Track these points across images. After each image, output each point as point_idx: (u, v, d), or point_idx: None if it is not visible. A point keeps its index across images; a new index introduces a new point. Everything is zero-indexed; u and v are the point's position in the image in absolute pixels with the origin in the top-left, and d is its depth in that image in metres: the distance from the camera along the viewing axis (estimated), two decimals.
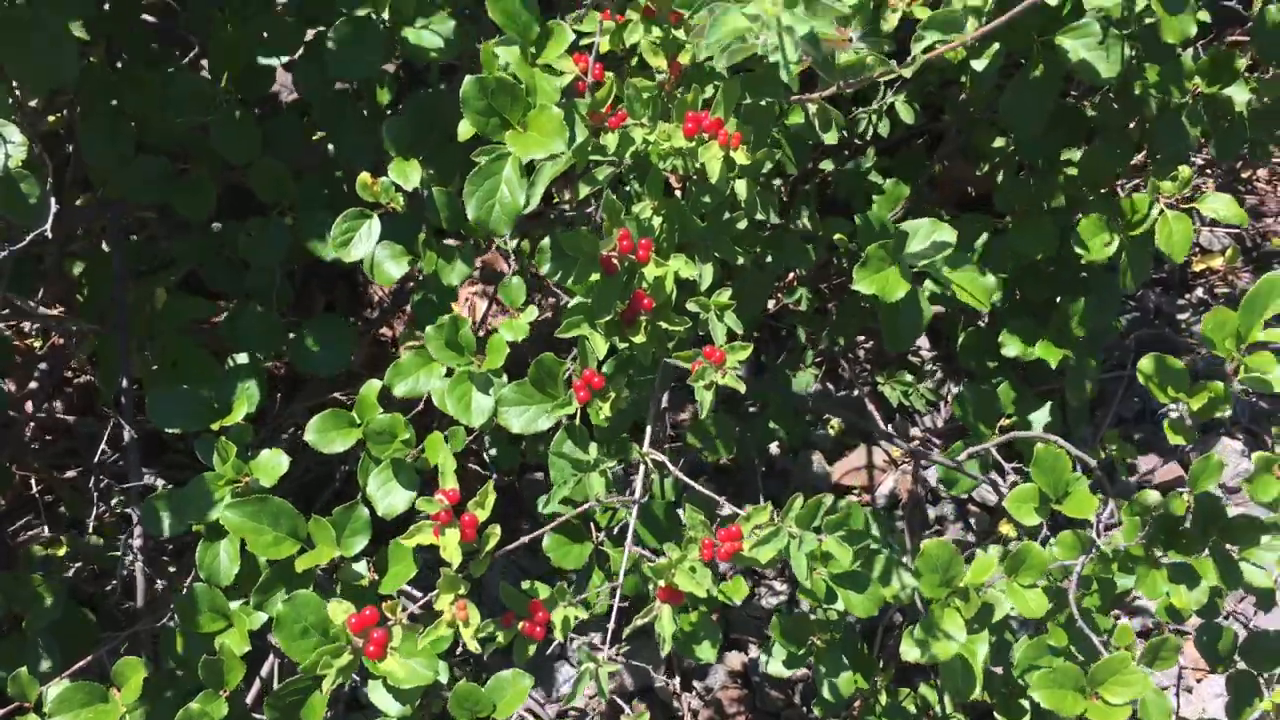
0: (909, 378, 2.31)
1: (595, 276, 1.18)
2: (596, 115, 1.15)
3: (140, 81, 1.58)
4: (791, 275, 2.32)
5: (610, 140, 1.14)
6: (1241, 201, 2.79)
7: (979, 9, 1.28)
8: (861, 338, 2.54)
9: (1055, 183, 1.90)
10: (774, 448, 2.34)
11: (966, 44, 1.28)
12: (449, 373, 1.38)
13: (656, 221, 1.24)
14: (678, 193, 1.30)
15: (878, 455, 2.35)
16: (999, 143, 2.07)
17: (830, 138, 1.19)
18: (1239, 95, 1.80)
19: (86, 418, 2.35)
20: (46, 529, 2.19)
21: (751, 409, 2.25)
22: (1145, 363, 1.32)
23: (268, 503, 1.35)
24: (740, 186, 1.24)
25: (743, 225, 1.28)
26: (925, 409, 2.33)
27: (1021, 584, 1.25)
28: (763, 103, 1.26)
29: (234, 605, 1.43)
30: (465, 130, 1.12)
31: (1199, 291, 2.59)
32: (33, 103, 1.63)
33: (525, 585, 1.16)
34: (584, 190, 1.27)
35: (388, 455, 1.36)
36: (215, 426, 1.43)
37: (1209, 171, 2.82)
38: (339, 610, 1.11)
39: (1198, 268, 2.64)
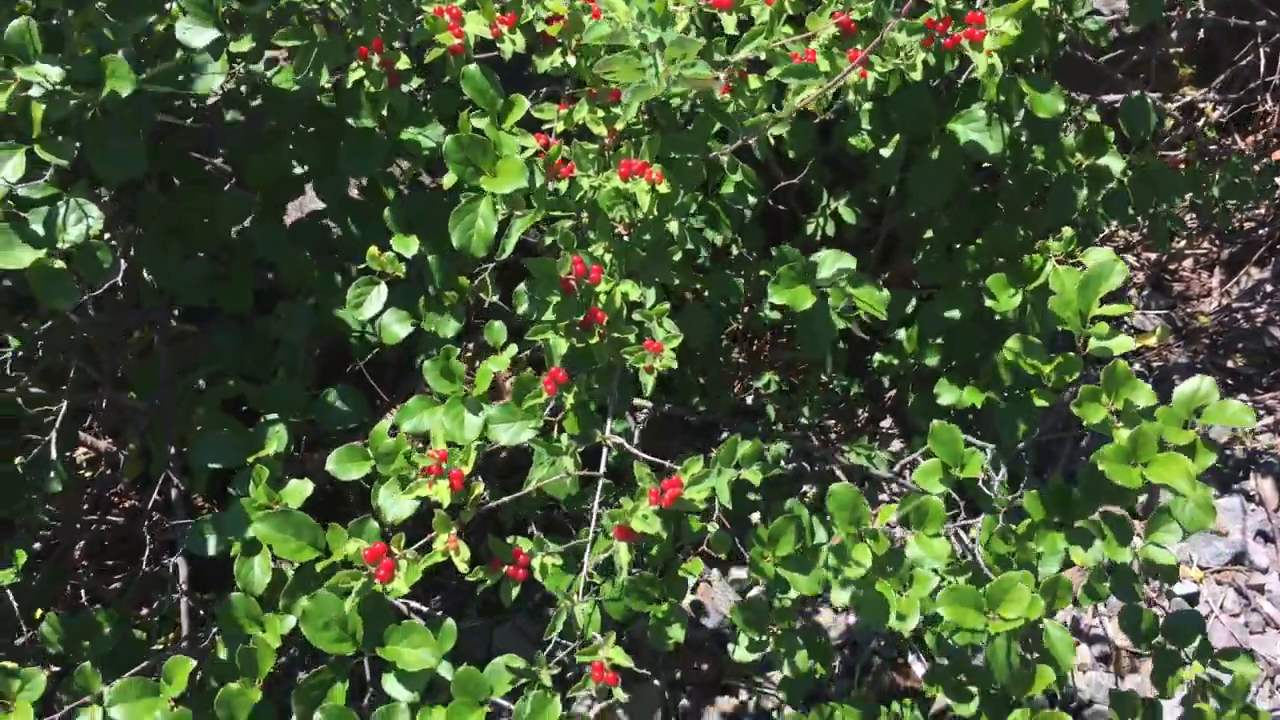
0: (871, 444, 2.55)
1: (556, 296, 1.47)
2: (552, 168, 1.47)
3: (190, 199, 1.93)
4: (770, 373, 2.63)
5: (562, 185, 1.46)
6: (1170, 289, 3.11)
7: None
8: (831, 421, 2.80)
9: (969, 255, 2.19)
10: (754, 517, 2.56)
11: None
12: None
13: (608, 258, 1.54)
14: (626, 239, 1.59)
15: None
16: (928, 234, 2.38)
17: (734, 182, 1.50)
18: (1114, 164, 2.11)
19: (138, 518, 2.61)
20: None
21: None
22: (1012, 342, 1.59)
23: (291, 516, 1.60)
24: (673, 226, 1.55)
25: (677, 257, 1.58)
26: (887, 472, 2.55)
27: (926, 534, 1.47)
28: (688, 161, 1.58)
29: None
30: (449, 180, 1.44)
31: (1136, 366, 2.84)
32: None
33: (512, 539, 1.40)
34: (548, 240, 1.57)
35: (393, 471, 1.61)
36: (250, 460, 1.70)
37: (1139, 265, 3.14)
38: (354, 544, 1.35)
39: (1135, 346, 2.89)
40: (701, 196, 1.72)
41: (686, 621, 1.64)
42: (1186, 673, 1.74)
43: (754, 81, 1.64)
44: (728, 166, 1.51)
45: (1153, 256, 3.13)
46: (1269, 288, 2.95)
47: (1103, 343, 1.49)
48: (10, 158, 1.47)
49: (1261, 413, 2.67)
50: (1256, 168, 2.98)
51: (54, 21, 1.63)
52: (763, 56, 1.60)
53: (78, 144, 1.55)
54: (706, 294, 1.80)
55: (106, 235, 2.05)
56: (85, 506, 2.76)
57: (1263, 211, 3.14)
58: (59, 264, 1.48)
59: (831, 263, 1.61)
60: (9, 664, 1.43)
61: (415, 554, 1.37)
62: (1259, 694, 2.17)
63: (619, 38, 1.13)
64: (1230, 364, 2.82)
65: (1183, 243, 3.13)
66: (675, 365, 1.40)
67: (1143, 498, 2.31)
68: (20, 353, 1.82)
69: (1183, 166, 3.27)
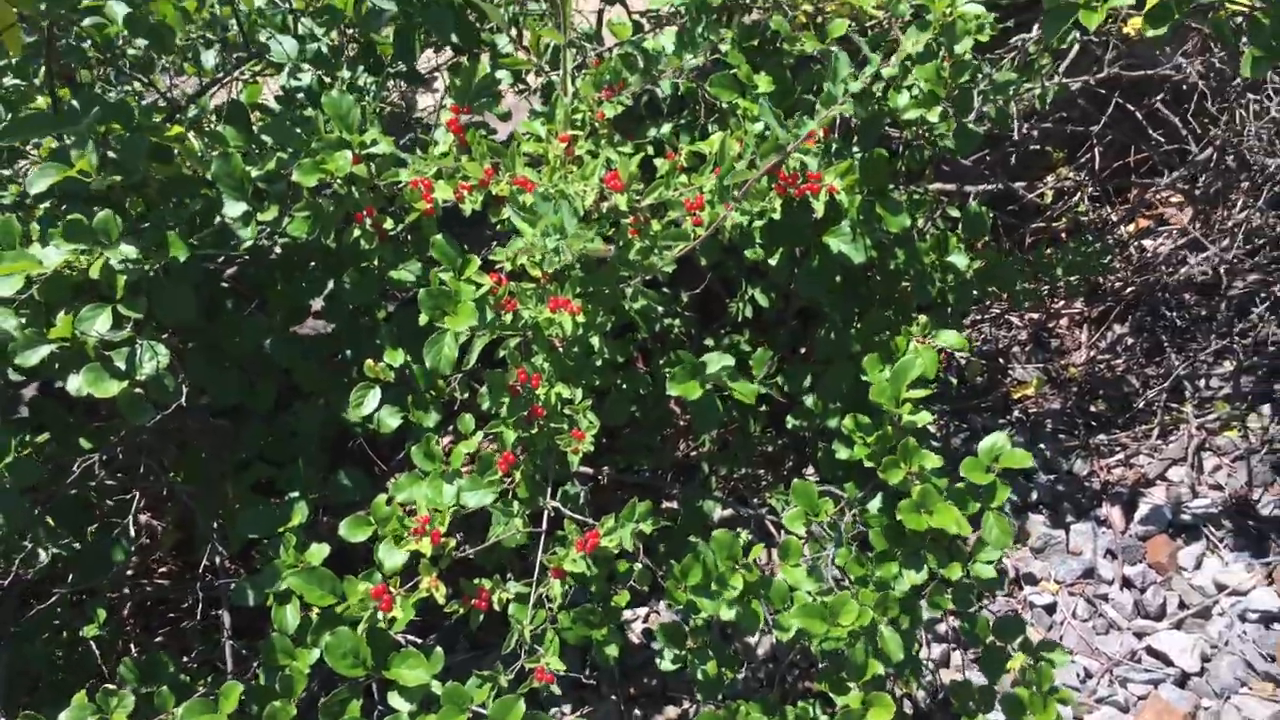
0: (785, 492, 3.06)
1: (506, 399, 1.98)
2: (500, 304, 1.99)
3: (225, 324, 2.45)
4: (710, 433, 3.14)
5: (508, 317, 1.98)
6: (1049, 344, 3.64)
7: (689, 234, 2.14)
8: (762, 471, 3.31)
9: (852, 337, 2.71)
10: None
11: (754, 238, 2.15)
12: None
13: (546, 366, 2.06)
14: (560, 350, 2.11)
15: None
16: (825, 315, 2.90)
17: (640, 303, 2.03)
18: (960, 261, 2.64)
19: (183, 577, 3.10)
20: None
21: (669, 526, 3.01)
22: (847, 420, 2.10)
23: (316, 570, 2.10)
24: (595, 341, 2.07)
25: (599, 363, 2.10)
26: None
27: (790, 565, 1.98)
28: (605, 291, 2.11)
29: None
30: (423, 319, 1.96)
31: (1016, 413, 3.36)
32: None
33: (477, 581, 1.90)
34: (501, 353, 2.09)
35: (390, 532, 2.12)
36: (280, 530, 2.20)
37: (1023, 325, 3.67)
38: (363, 585, 1.85)
39: (1016, 395, 3.42)
40: (623, 308, 2.24)
41: (622, 642, 2.14)
42: (1013, 663, 2.25)
43: (655, 225, 2.17)
44: (630, 296, 2.04)
45: (1034, 316, 3.66)
46: (1129, 340, 3.47)
47: (910, 418, 2.01)
48: (99, 314, 1.98)
49: (1117, 449, 3.19)
50: (1111, 239, 3.54)
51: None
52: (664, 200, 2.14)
53: (146, 299, 2.07)
54: (624, 386, 2.33)
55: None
56: (130, 573, 3.26)
57: (1129, 273, 3.67)
58: (138, 390, 2.00)
59: (716, 361, 2.13)
60: (110, 685, 1.92)
61: (406, 591, 1.87)
62: (1101, 683, 2.67)
63: (531, 247, 1.66)
64: (1093, 408, 3.34)
65: (1060, 304, 3.67)
66: (593, 449, 1.91)
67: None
68: (101, 455, 2.33)
69: (1064, 236, 3.84)
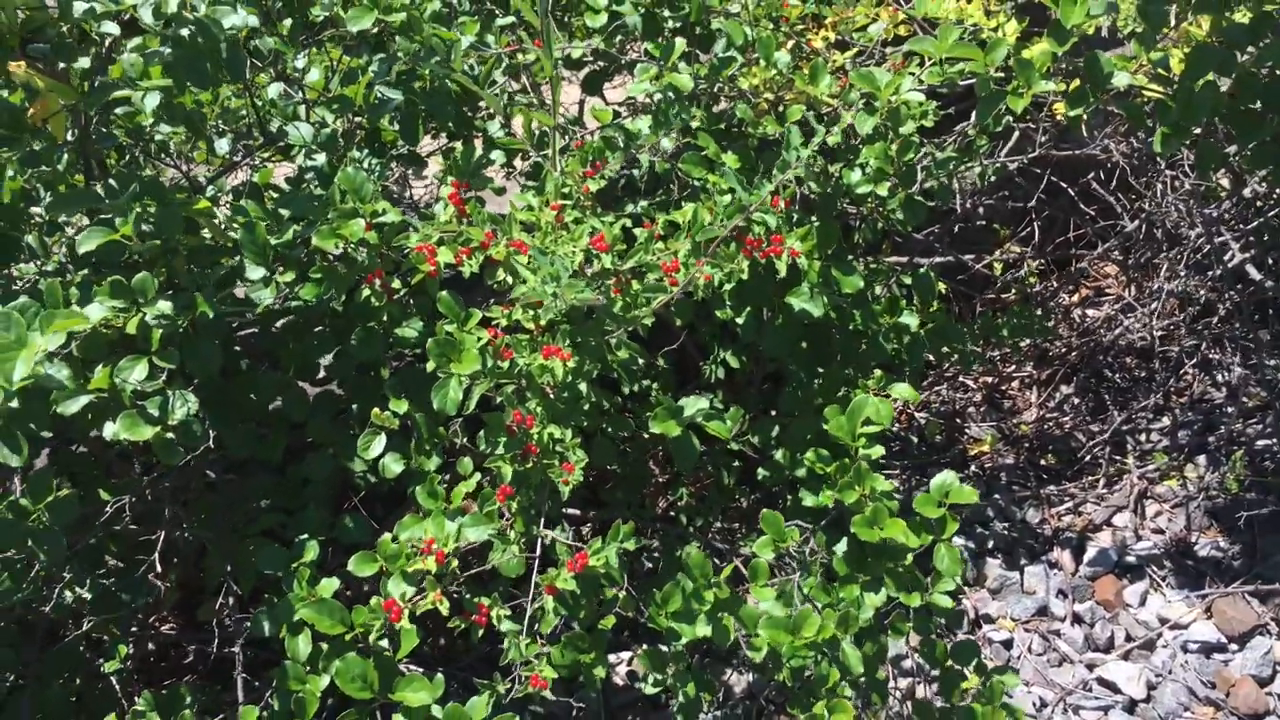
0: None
1: (503, 438, 2.21)
2: (498, 354, 2.23)
3: (241, 380, 2.67)
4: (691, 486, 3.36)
5: (505, 364, 2.21)
6: (1001, 405, 3.89)
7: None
8: (736, 525, 3.52)
9: (815, 391, 2.96)
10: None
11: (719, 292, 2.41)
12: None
13: (538, 409, 2.28)
14: (551, 395, 2.34)
15: None
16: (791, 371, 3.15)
17: (623, 354, 2.26)
18: (911, 321, 2.91)
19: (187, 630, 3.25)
20: None
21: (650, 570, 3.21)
22: (810, 453, 2.33)
23: (327, 603, 2.29)
24: (583, 387, 2.30)
25: (586, 407, 2.33)
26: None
27: (759, 585, 2.19)
28: (592, 341, 2.35)
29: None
30: (431, 365, 2.19)
31: (973, 468, 3.60)
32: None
33: (478, 598, 2.10)
34: (499, 399, 2.32)
35: (397, 567, 2.31)
36: (293, 565, 2.39)
37: (978, 387, 3.93)
38: (371, 607, 2.04)
39: (972, 452, 3.66)
40: (608, 358, 2.48)
41: (608, 665, 2.32)
42: (968, 684, 2.44)
43: (635, 285, 2.42)
44: (614, 346, 2.28)
45: (988, 379, 3.93)
46: (1075, 400, 3.74)
47: (866, 450, 2.25)
48: (137, 365, 2.20)
49: (1066, 499, 3.43)
50: (1055, 307, 3.81)
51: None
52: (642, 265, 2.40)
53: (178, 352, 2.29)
54: (608, 429, 2.56)
55: None
56: (134, 629, 3.40)
57: (1073, 338, 3.96)
58: (170, 435, 2.20)
59: (693, 404, 2.37)
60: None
61: (414, 603, 2.07)
62: (1055, 711, 2.86)
63: (533, 292, 1.91)
64: (1044, 462, 3.58)
65: (1010, 367, 3.94)
66: (582, 479, 2.13)
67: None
68: (130, 498, 2.53)
69: (1013, 305, 4.12)
